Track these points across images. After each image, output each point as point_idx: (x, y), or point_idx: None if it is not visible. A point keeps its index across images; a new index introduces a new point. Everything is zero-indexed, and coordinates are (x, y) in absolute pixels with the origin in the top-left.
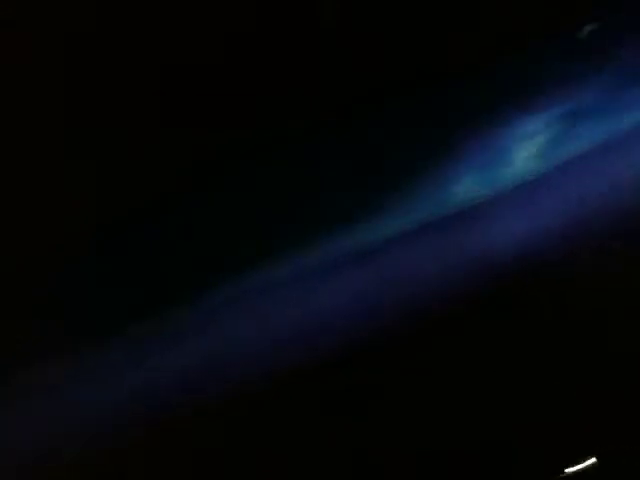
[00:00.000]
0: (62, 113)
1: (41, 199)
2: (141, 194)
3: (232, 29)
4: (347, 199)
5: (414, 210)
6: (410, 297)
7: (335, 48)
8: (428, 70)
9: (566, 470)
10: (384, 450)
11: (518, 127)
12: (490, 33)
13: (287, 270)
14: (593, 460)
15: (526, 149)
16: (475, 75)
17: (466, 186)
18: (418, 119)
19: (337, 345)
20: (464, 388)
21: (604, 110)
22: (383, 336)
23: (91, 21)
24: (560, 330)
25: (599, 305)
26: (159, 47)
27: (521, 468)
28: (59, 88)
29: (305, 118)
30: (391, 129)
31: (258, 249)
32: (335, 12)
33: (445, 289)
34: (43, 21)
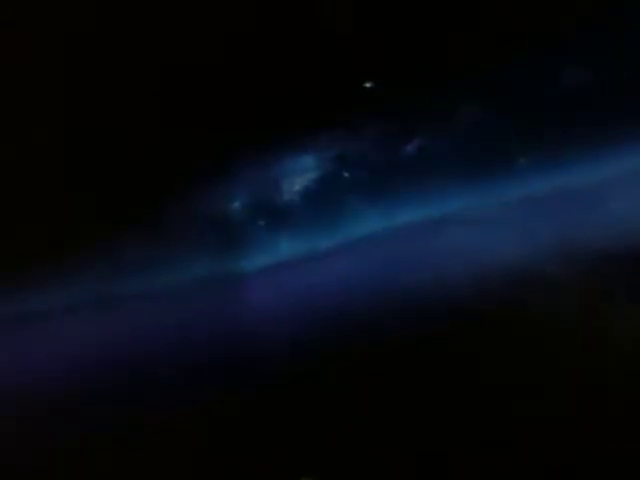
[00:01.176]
0: (62, 113)
1: (41, 198)
2: (140, 193)
3: (232, 30)
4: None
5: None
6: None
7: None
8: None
9: None
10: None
11: (291, 162)
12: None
13: None
14: None
15: (295, 183)
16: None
17: (237, 209)
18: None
19: None
20: None
21: (371, 161)
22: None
23: (91, 21)
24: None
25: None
26: (159, 47)
27: None
28: (59, 88)
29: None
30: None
31: None
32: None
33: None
34: (43, 21)
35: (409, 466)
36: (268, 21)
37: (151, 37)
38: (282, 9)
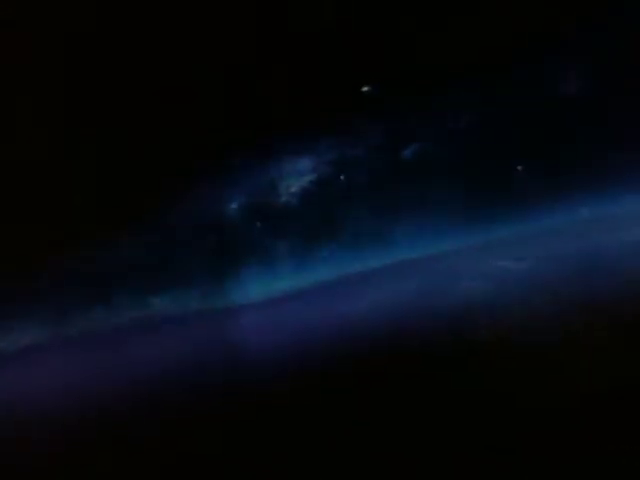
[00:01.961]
0: (62, 113)
1: (41, 197)
2: (140, 193)
3: (232, 30)
4: None
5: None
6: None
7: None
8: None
9: None
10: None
11: (288, 165)
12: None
13: None
14: None
15: (292, 185)
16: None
17: (235, 210)
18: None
19: None
20: None
21: (366, 160)
22: None
23: (91, 21)
24: None
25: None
26: (159, 48)
27: None
28: (59, 88)
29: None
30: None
31: None
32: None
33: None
34: (43, 21)
35: None
36: (270, 26)
37: (154, 41)
38: (283, 13)
